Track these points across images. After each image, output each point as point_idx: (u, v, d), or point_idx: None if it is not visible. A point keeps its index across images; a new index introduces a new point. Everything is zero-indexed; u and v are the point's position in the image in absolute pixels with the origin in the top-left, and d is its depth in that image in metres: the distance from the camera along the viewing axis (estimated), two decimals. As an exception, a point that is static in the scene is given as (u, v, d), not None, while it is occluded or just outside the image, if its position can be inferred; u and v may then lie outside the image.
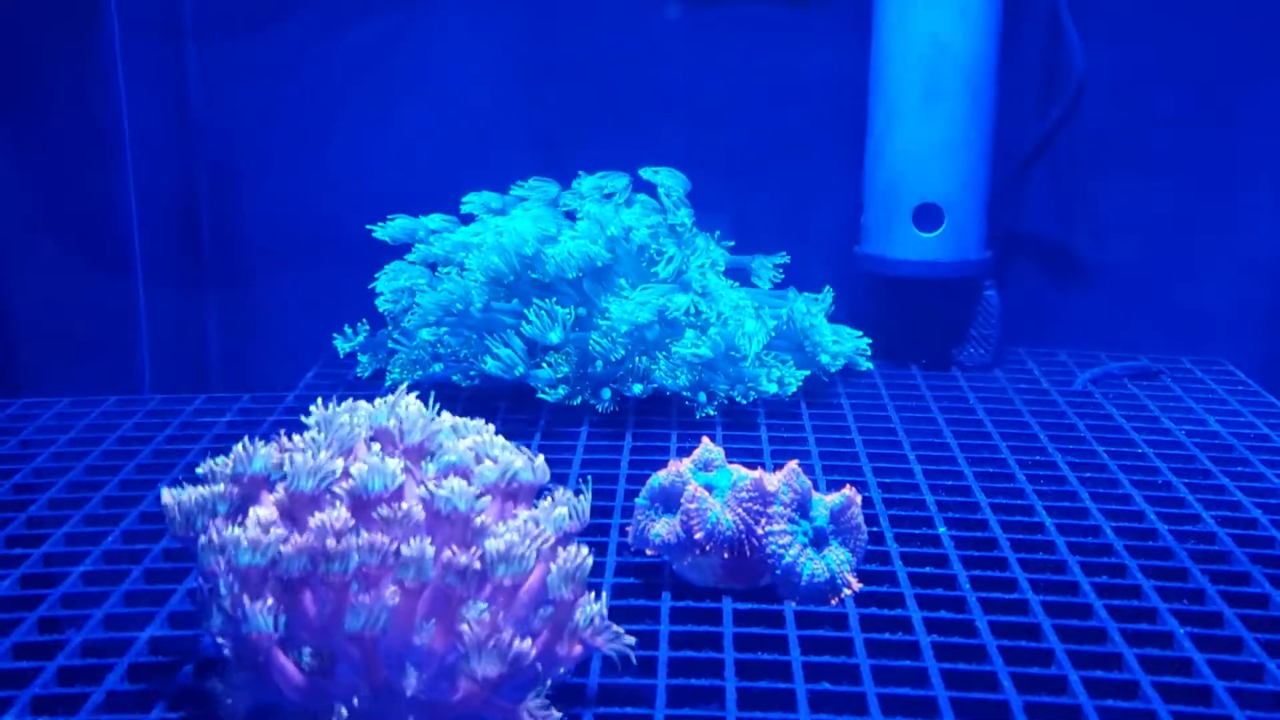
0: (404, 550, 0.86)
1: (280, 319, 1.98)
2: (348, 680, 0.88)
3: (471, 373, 1.61)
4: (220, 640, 0.89)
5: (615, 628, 0.93)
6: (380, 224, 1.69)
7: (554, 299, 1.55)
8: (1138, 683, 0.99)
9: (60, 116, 1.78)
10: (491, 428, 1.00)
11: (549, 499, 0.95)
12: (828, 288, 1.71)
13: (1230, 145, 1.88)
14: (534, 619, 0.92)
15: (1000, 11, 1.72)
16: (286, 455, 0.92)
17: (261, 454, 0.93)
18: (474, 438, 0.99)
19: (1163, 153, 1.89)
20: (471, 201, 1.72)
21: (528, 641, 0.86)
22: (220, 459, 0.94)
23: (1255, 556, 1.20)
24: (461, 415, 1.01)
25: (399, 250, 1.71)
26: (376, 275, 1.68)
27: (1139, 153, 1.90)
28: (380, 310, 1.68)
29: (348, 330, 1.71)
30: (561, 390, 1.55)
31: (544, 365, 1.56)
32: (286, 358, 1.92)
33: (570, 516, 0.95)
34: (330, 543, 0.86)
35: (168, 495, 0.93)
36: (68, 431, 1.55)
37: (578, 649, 0.92)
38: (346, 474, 0.92)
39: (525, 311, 1.54)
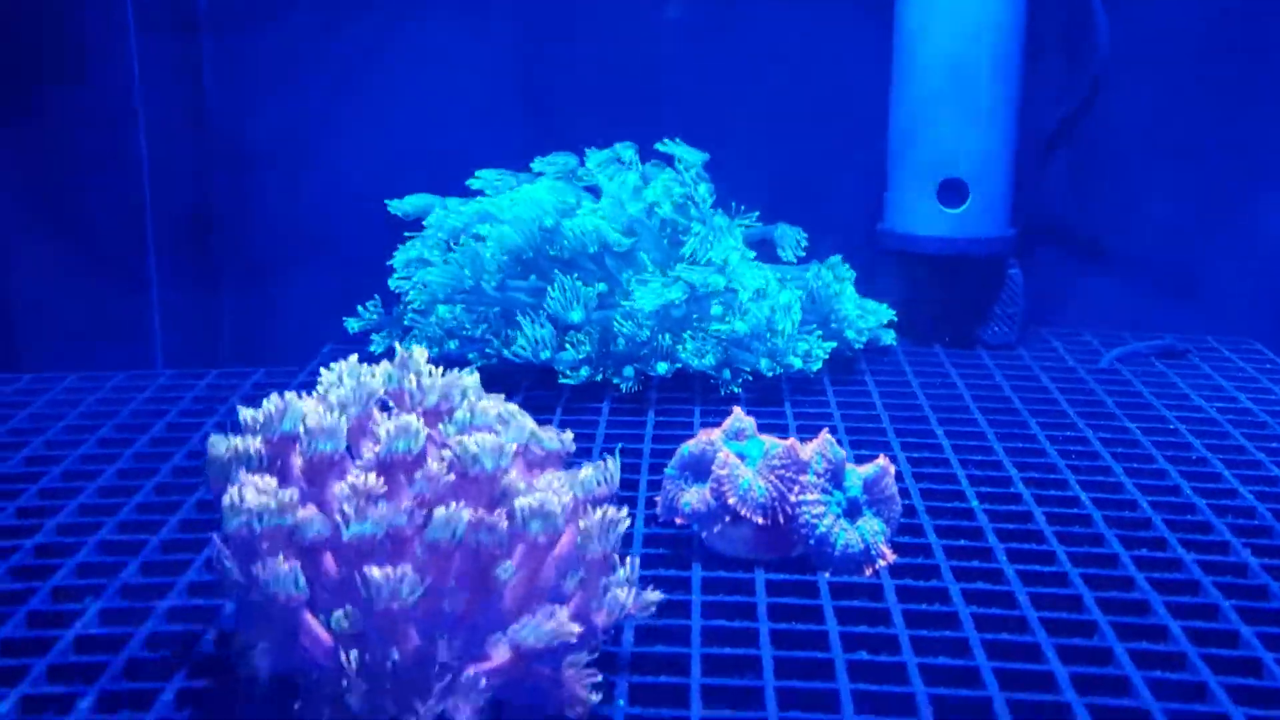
0: (435, 512, 0.83)
1: (292, 302, 1.97)
2: (378, 645, 0.85)
3: (488, 350, 1.58)
4: (243, 603, 0.86)
5: (647, 595, 0.90)
6: (397, 200, 1.67)
7: (575, 275, 1.53)
8: (1185, 654, 0.96)
9: (74, 98, 1.75)
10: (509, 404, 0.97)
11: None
12: (841, 259, 1.67)
13: (1257, 124, 1.85)
14: (567, 582, 0.89)
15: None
16: (313, 413, 0.89)
17: (292, 411, 0.90)
18: (493, 402, 0.96)
19: (1188, 132, 1.87)
20: (484, 177, 1.69)
21: (565, 610, 0.83)
22: (254, 411, 0.91)
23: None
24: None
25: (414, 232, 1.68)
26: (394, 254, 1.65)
27: (1164, 132, 1.87)
28: (393, 288, 1.65)
29: (360, 309, 1.68)
30: (584, 371, 1.52)
31: (567, 346, 1.53)
32: (298, 341, 1.89)
33: (599, 483, 0.92)
34: (352, 507, 0.83)
35: (211, 445, 0.90)
36: (78, 406, 1.53)
37: (613, 615, 0.89)
38: (371, 435, 0.90)
39: (547, 288, 1.52)
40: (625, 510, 0.89)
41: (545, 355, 1.50)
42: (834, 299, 1.61)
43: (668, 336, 1.53)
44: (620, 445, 1.35)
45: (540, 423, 0.95)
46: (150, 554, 1.13)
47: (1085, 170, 1.90)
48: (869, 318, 1.65)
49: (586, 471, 0.91)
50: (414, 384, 0.94)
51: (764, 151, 1.89)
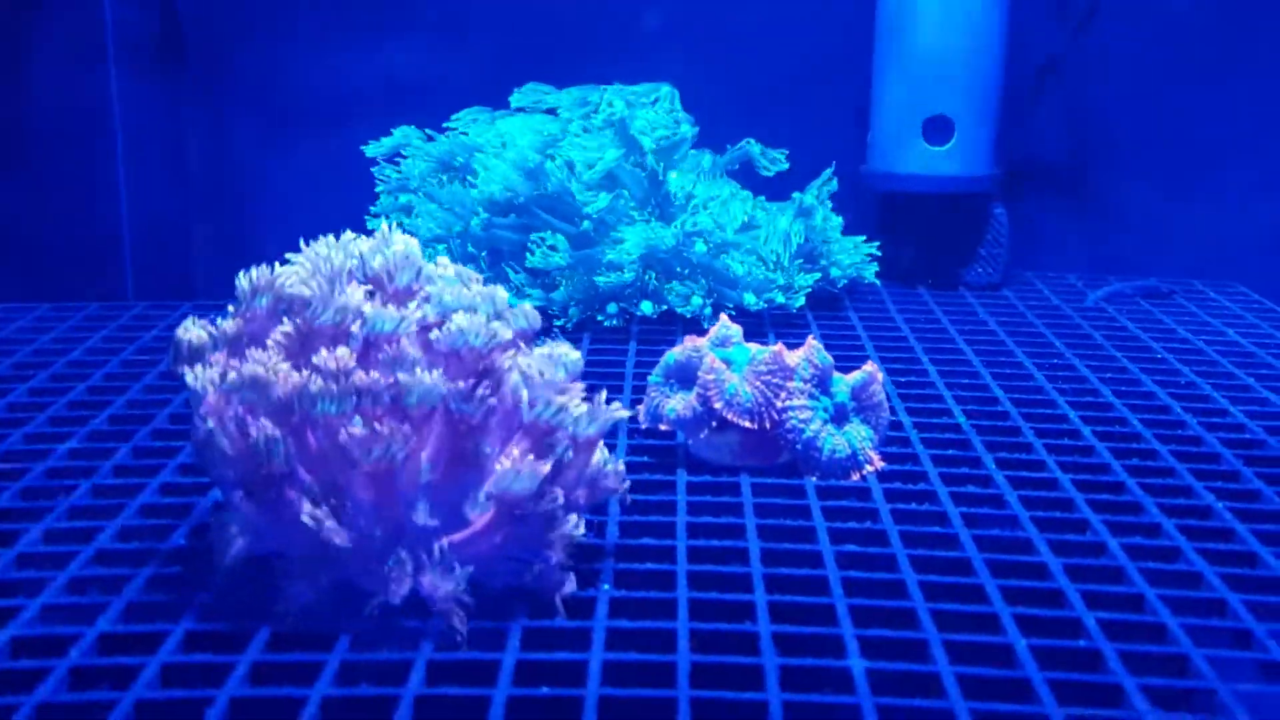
0: (404, 378, 0.81)
1: (269, 230, 1.93)
2: (359, 519, 0.83)
3: None
4: (222, 479, 0.83)
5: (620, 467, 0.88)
6: (374, 142, 1.63)
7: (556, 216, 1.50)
8: (1179, 548, 0.95)
9: (45, 22, 1.72)
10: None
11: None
12: (821, 184, 1.65)
13: (1244, 67, 1.84)
14: (550, 452, 0.86)
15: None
16: (295, 284, 0.87)
17: (274, 279, 0.87)
18: (476, 285, 0.93)
19: (1177, 76, 1.86)
20: (461, 119, 1.66)
21: (546, 465, 0.81)
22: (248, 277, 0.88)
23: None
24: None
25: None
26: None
27: (1150, 75, 1.86)
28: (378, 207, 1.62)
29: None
30: (574, 313, 1.50)
31: (555, 287, 1.50)
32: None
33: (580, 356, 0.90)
34: (327, 384, 0.81)
35: (178, 330, 0.88)
36: (48, 333, 1.49)
37: (596, 492, 0.87)
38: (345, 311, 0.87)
39: (531, 238, 1.49)
40: (618, 404, 0.87)
41: (532, 296, 1.48)
42: (824, 233, 1.59)
43: (653, 277, 1.50)
44: (599, 372, 1.33)
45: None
46: (122, 459, 1.10)
47: (1072, 112, 1.89)
48: (852, 253, 1.63)
49: (565, 350, 0.89)
50: (384, 266, 0.91)
51: (743, 92, 1.87)
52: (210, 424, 0.82)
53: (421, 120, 1.67)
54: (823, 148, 1.82)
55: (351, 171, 1.77)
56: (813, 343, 1.11)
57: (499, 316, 0.90)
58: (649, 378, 1.14)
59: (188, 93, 1.87)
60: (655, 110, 1.56)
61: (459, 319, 0.85)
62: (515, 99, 1.66)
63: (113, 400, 1.26)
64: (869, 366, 1.12)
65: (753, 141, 1.64)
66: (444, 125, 1.64)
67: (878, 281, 1.68)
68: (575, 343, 1.45)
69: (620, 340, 1.48)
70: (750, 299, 1.51)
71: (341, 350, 0.83)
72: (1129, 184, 1.90)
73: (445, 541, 0.82)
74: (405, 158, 1.61)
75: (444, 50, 1.88)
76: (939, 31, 1.68)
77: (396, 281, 0.90)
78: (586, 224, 1.50)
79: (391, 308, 0.86)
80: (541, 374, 0.86)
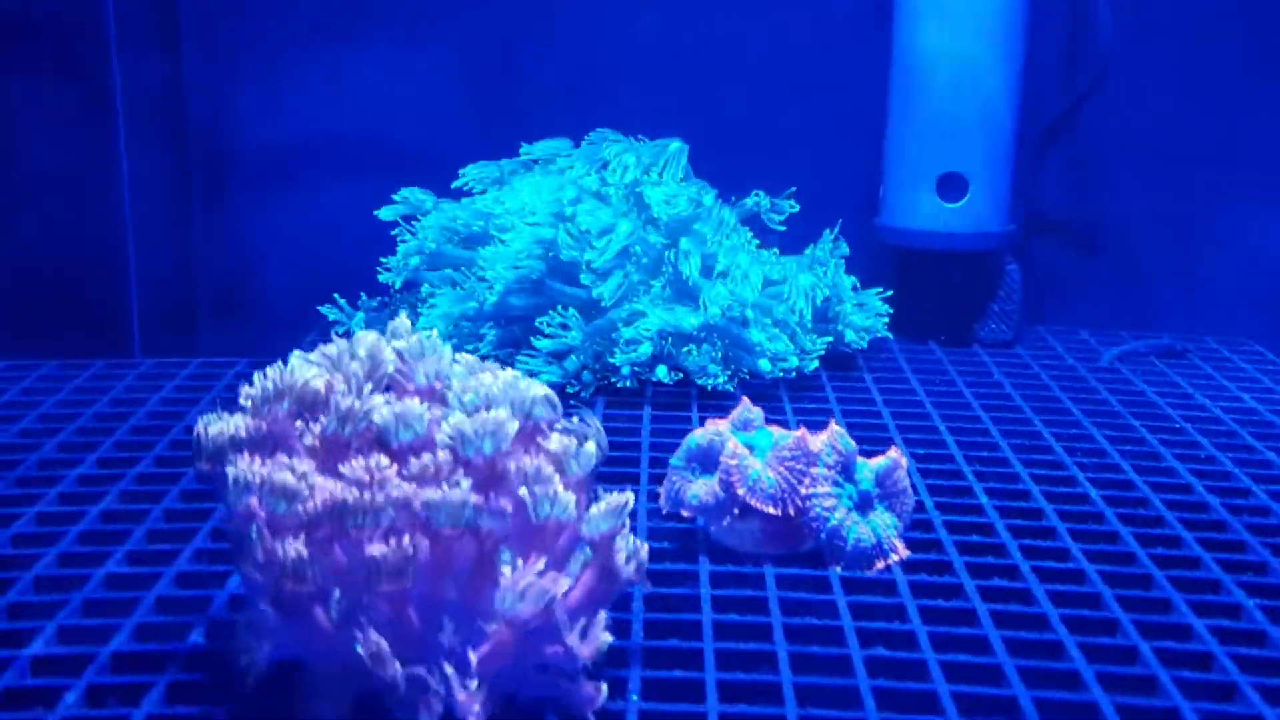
0: (433, 495, 0.79)
1: (272, 288, 1.93)
2: (378, 630, 0.81)
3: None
4: (250, 582, 0.82)
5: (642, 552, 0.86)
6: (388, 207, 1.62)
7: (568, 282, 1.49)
8: (1212, 654, 0.94)
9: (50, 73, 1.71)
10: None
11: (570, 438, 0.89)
12: (832, 237, 1.63)
13: (1257, 122, 1.84)
14: (571, 564, 0.85)
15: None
16: (317, 387, 0.85)
17: (294, 382, 0.85)
18: (491, 375, 0.92)
19: (1187, 128, 1.85)
20: (469, 174, 1.64)
21: (564, 581, 0.80)
22: (251, 387, 0.87)
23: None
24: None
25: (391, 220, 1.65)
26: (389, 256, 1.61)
27: (1163, 128, 1.85)
28: (383, 280, 1.61)
29: (345, 307, 1.64)
30: (587, 378, 1.48)
31: (567, 354, 1.49)
32: (277, 329, 1.86)
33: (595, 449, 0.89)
34: (357, 495, 0.79)
35: (199, 425, 0.86)
36: (56, 394, 1.48)
37: (617, 586, 0.86)
38: (369, 418, 0.86)
39: (538, 323, 1.48)
40: (630, 495, 0.85)
41: (547, 373, 1.46)
42: (837, 295, 1.58)
43: (669, 341, 1.49)
44: (615, 440, 1.32)
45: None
46: (135, 544, 1.09)
47: (1083, 165, 1.88)
48: (866, 315, 1.62)
49: (590, 448, 0.88)
50: (413, 363, 0.90)
51: (752, 138, 1.86)
52: (245, 529, 0.81)
53: (426, 171, 1.66)
54: (834, 199, 1.82)
55: (351, 223, 1.76)
56: (835, 427, 1.10)
57: (521, 412, 0.88)
58: (670, 460, 1.13)
59: (191, 145, 1.86)
60: (673, 183, 1.54)
61: (479, 421, 0.84)
62: (526, 150, 1.65)
63: (123, 474, 1.24)
64: (893, 452, 1.11)
65: (763, 195, 1.62)
66: (453, 186, 1.63)
67: (889, 334, 1.67)
68: (589, 407, 1.44)
69: (634, 405, 1.46)
70: (765, 365, 1.49)
71: (374, 460, 0.81)
72: (1139, 237, 1.89)
73: (474, 657, 0.80)
74: (416, 219, 1.60)
75: (445, 93, 1.88)
76: (953, 90, 1.67)
77: (417, 380, 0.89)
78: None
79: (415, 408, 0.84)
80: (558, 473, 0.84)
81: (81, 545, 1.08)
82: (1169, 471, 1.29)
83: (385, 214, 1.60)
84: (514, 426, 0.84)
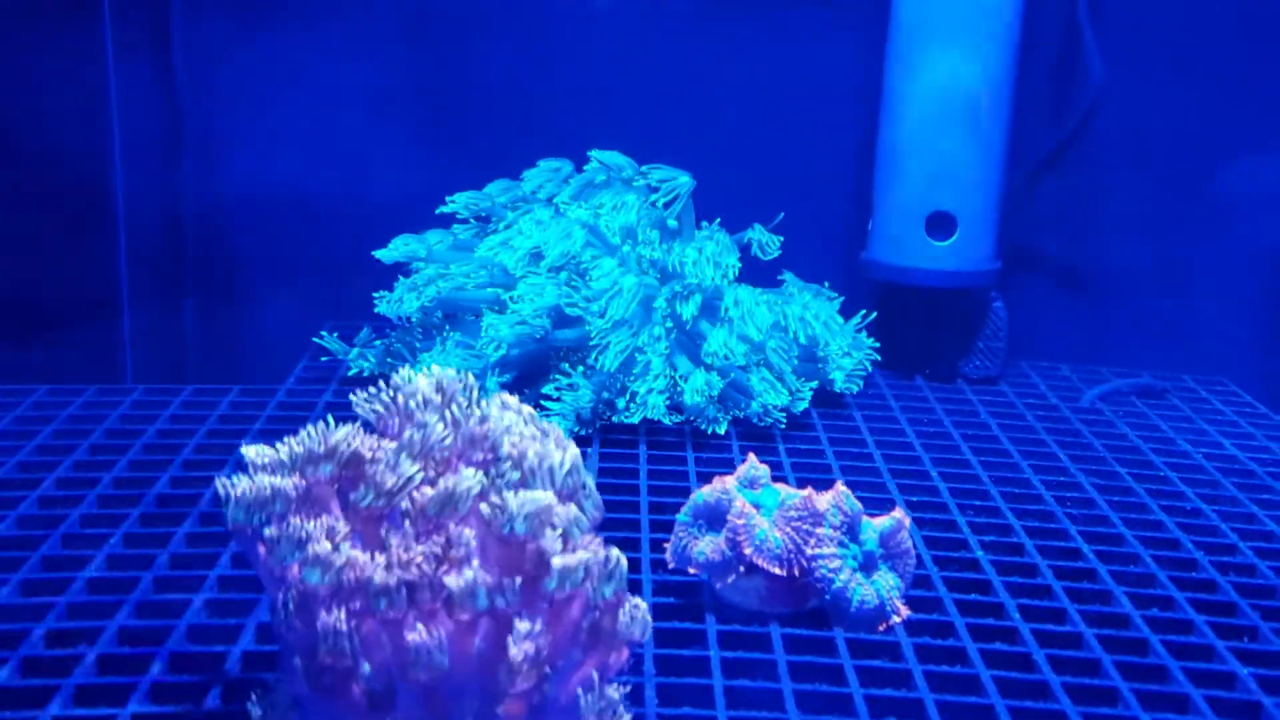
0: (455, 584, 0.80)
1: (262, 316, 1.93)
2: (407, 712, 0.82)
3: None
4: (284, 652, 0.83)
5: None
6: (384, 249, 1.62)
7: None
8: (1208, 724, 0.97)
9: (48, 97, 1.70)
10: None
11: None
12: (820, 288, 1.66)
13: (1232, 163, 1.88)
14: (583, 630, 0.86)
15: (1020, 21, 1.69)
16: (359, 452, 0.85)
17: (334, 444, 0.85)
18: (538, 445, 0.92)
19: (1167, 169, 1.89)
20: (457, 201, 1.65)
21: (577, 667, 0.81)
22: (286, 445, 0.87)
23: (1300, 590, 1.19)
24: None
25: (382, 228, 1.64)
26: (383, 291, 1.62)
27: (1144, 168, 1.89)
28: (379, 312, 1.61)
29: (347, 349, 1.65)
30: (588, 417, 1.49)
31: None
32: (267, 353, 1.87)
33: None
34: (385, 577, 0.80)
35: (223, 486, 0.86)
36: (50, 423, 1.47)
37: (625, 653, 0.87)
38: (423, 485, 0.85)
39: (544, 391, 1.50)
40: (619, 553, 0.86)
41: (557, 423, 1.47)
42: (824, 334, 1.59)
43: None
44: (612, 483, 1.33)
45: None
46: (143, 594, 1.09)
47: (1067, 202, 1.91)
48: (852, 358, 1.63)
49: (595, 512, 0.88)
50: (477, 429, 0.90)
51: (742, 173, 1.87)
52: (285, 596, 0.81)
53: (418, 215, 1.66)
54: (821, 231, 1.84)
55: (342, 254, 1.77)
56: (841, 488, 1.12)
57: (558, 493, 0.89)
58: (677, 516, 1.14)
59: (187, 176, 1.86)
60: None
61: (521, 501, 0.84)
62: (530, 176, 1.65)
63: (128, 514, 1.24)
64: (897, 513, 1.13)
65: (759, 229, 1.63)
66: (438, 211, 1.64)
67: (869, 367, 1.69)
68: (583, 445, 1.45)
69: (630, 444, 1.48)
70: (757, 408, 1.51)
71: (416, 548, 0.81)
72: (1120, 275, 1.92)
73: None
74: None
75: (434, 155, 1.88)
76: (943, 130, 1.69)
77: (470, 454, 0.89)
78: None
79: (458, 486, 0.85)
80: (565, 540, 0.85)
81: (91, 594, 1.09)
82: (1157, 525, 1.32)
83: (385, 256, 1.59)
84: (551, 502, 0.85)
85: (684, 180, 1.58)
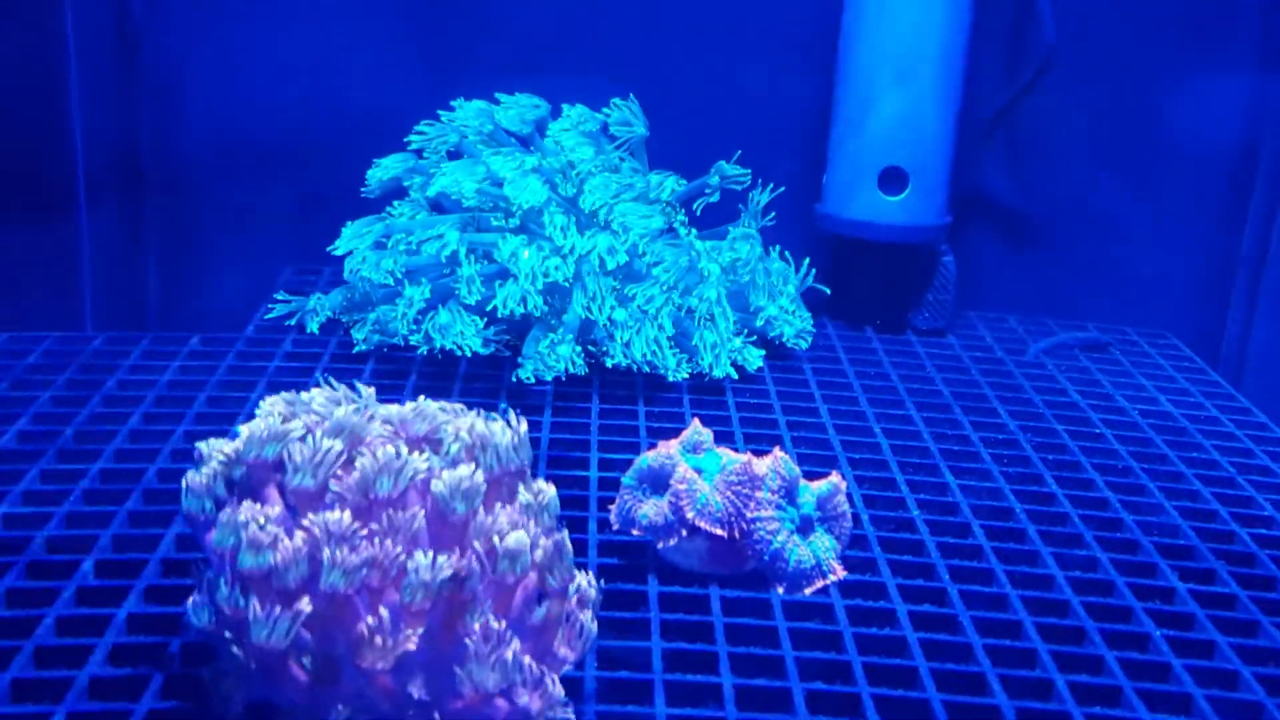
0: (409, 565, 0.84)
1: (225, 259, 1.94)
2: (352, 686, 0.86)
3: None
4: (217, 633, 0.86)
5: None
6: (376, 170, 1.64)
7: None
8: (1120, 689, 1.02)
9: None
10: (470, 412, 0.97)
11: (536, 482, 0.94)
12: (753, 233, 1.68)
13: (1176, 117, 1.91)
14: (530, 614, 0.90)
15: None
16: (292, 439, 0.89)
17: (270, 433, 0.89)
18: (468, 421, 0.96)
19: (1112, 123, 1.92)
20: (429, 133, 1.66)
21: (526, 656, 0.85)
22: (217, 441, 0.90)
23: (1219, 552, 1.24)
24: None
25: (344, 183, 1.66)
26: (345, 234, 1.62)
27: (1093, 122, 1.92)
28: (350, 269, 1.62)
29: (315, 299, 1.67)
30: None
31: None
32: (230, 297, 1.88)
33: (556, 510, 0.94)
34: (328, 554, 0.83)
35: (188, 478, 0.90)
36: (10, 372, 1.49)
37: (575, 645, 0.91)
38: (350, 465, 0.90)
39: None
40: (564, 535, 0.90)
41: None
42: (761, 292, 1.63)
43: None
44: (565, 437, 1.37)
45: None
46: (101, 553, 1.12)
47: (1019, 154, 1.94)
48: (796, 320, 1.66)
49: (551, 499, 0.92)
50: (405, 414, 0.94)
51: (698, 129, 1.89)
52: (220, 578, 0.85)
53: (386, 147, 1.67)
54: (775, 181, 1.85)
55: (310, 199, 1.78)
56: (779, 453, 1.16)
57: (498, 460, 0.92)
58: (623, 479, 1.18)
59: (146, 116, 1.86)
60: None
61: (451, 478, 0.88)
62: (501, 111, 1.66)
63: (87, 469, 1.26)
64: (834, 477, 1.17)
65: (724, 164, 1.65)
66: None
67: (827, 320, 1.72)
68: (538, 395, 1.49)
69: (584, 396, 1.51)
70: (708, 360, 1.55)
71: (337, 516, 0.85)
72: (1068, 227, 1.96)
73: (448, 709, 0.86)
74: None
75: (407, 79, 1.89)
76: (896, 87, 1.71)
77: (411, 430, 0.93)
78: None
79: (395, 461, 0.88)
80: (521, 529, 0.89)
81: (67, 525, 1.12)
82: (1088, 485, 1.37)
83: (373, 175, 1.62)
84: (484, 486, 0.89)
85: (639, 130, 1.61)
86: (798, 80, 1.88)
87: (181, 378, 1.50)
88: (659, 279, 1.52)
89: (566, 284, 1.49)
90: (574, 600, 0.91)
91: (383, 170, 1.62)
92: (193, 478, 0.89)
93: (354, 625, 0.83)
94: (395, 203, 1.66)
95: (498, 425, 0.94)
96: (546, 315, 1.53)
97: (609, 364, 1.52)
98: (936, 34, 1.70)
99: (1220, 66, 1.88)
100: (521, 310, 1.47)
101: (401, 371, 1.54)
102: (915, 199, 1.75)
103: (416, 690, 0.86)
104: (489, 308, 1.49)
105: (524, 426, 0.94)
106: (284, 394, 0.94)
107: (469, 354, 1.51)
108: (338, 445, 0.89)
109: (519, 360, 1.50)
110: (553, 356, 1.48)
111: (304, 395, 0.94)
